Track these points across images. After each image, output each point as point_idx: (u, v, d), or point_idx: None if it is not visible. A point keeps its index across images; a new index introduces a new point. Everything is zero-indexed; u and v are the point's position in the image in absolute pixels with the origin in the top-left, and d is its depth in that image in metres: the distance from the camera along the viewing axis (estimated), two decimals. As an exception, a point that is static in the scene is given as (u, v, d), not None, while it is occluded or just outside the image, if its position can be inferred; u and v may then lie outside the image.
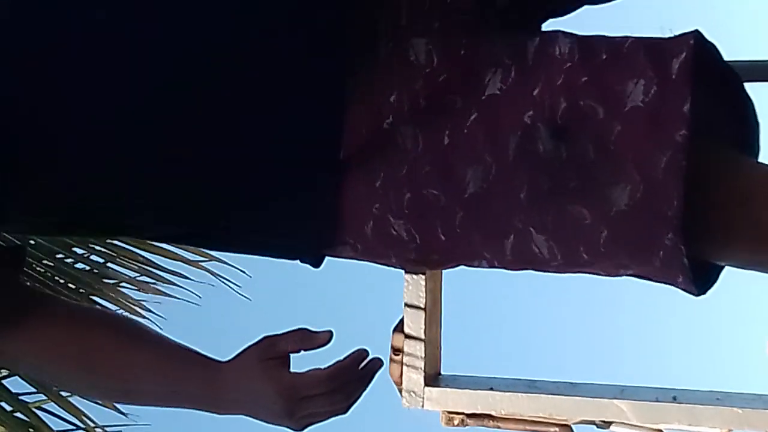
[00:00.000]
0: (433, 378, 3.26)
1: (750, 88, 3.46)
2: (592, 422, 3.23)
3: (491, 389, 3.18)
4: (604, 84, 1.27)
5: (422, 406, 3.51)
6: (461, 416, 3.32)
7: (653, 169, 1.24)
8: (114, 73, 1.29)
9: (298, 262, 1.43)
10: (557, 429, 3.25)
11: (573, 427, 3.34)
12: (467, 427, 3.32)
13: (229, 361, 1.41)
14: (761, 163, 1.34)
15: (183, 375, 1.38)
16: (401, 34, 1.30)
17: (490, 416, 3.24)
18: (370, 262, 1.40)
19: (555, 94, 1.28)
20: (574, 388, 3.15)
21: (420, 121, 1.31)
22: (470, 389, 3.11)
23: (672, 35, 1.31)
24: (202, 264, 5.16)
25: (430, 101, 1.29)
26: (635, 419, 3.26)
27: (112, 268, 5.11)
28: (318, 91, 1.27)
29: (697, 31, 1.30)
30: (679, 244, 1.27)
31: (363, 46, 1.29)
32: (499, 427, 3.34)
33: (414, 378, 3.20)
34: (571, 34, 1.29)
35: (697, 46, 1.27)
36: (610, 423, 3.23)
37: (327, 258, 1.39)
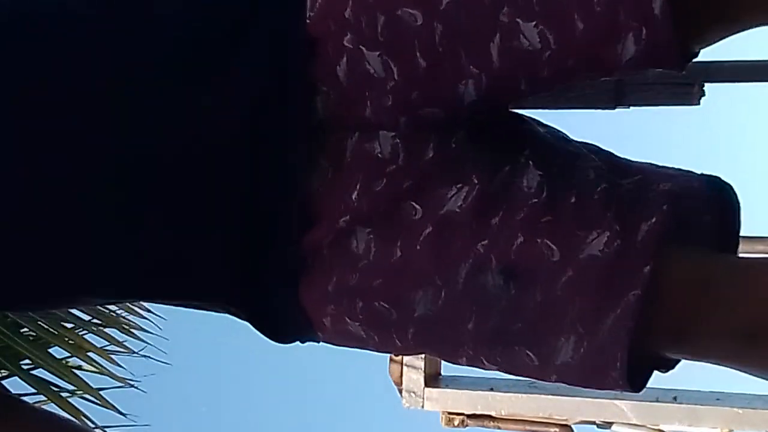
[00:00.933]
0: (433, 378, 3.26)
1: (751, 88, 3.47)
2: (593, 422, 3.23)
3: (491, 389, 3.18)
4: (566, 227, 1.24)
5: (422, 406, 3.51)
6: (461, 416, 3.32)
7: (598, 326, 1.22)
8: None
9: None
10: (557, 429, 3.25)
11: (573, 427, 3.34)
12: (467, 427, 3.32)
13: None
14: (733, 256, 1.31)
15: None
16: (367, 125, 1.25)
17: (490, 416, 3.24)
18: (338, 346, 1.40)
19: (514, 228, 1.25)
20: (574, 388, 3.15)
21: (376, 224, 1.28)
22: (470, 389, 3.11)
23: (669, 168, 1.32)
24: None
25: (389, 205, 1.26)
26: (635, 419, 3.25)
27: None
28: (281, 183, 1.25)
29: (675, 198, 1.29)
30: (627, 389, 1.28)
31: (329, 138, 1.25)
32: (499, 428, 3.34)
33: (414, 378, 3.20)
34: (542, 167, 1.26)
35: (668, 211, 1.24)
36: (611, 423, 3.23)
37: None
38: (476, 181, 1.20)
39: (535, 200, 1.20)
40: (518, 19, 1.13)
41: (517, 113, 1.29)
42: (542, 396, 3.03)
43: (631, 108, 3.04)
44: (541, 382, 1.35)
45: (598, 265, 1.17)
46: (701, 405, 2.98)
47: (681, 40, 1.16)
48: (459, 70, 1.16)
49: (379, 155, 1.21)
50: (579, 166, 1.25)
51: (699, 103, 2.97)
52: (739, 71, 2.96)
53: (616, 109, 2.97)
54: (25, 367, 3.92)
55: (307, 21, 1.17)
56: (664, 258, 1.21)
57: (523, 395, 3.04)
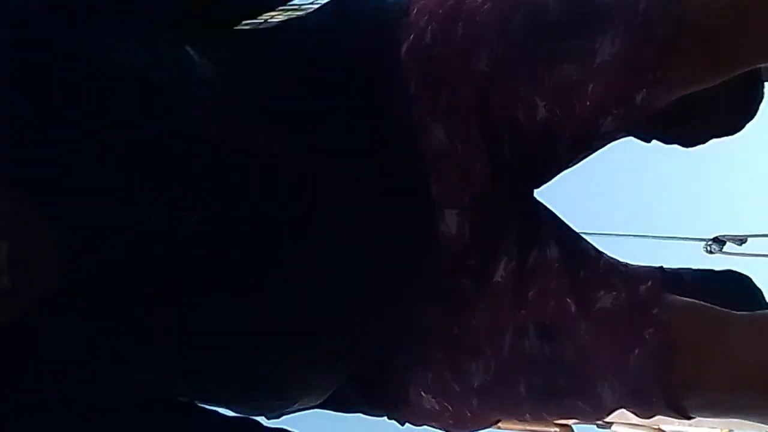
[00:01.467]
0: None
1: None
2: (593, 422, 3.23)
3: (491, 389, 3.17)
4: (580, 288, 1.31)
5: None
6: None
7: (623, 367, 1.29)
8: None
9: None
10: (557, 429, 3.25)
11: (573, 427, 3.34)
12: (467, 427, 3.31)
13: None
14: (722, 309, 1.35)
15: None
16: (432, 204, 1.30)
17: (490, 416, 3.23)
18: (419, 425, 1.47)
19: (546, 297, 1.34)
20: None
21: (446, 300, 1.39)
22: (470, 389, 3.10)
23: (633, 265, 1.40)
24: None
25: (451, 280, 1.35)
26: (635, 419, 3.25)
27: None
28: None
29: (661, 267, 1.38)
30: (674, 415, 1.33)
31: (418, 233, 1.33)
32: (499, 428, 3.34)
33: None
34: (559, 243, 1.36)
35: (663, 278, 1.34)
36: (611, 423, 3.22)
37: None
38: (516, 251, 1.29)
39: (557, 265, 1.28)
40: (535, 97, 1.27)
41: (535, 198, 1.39)
42: (542, 396, 3.02)
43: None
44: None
45: (610, 313, 1.26)
46: (701, 405, 2.97)
47: (651, 126, 1.26)
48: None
49: (446, 232, 1.28)
50: (581, 245, 1.36)
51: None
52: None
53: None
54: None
55: None
56: (668, 308, 1.26)
57: (523, 395, 3.03)
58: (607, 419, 3.33)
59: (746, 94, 1.40)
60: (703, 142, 1.42)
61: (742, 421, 3.14)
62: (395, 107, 1.27)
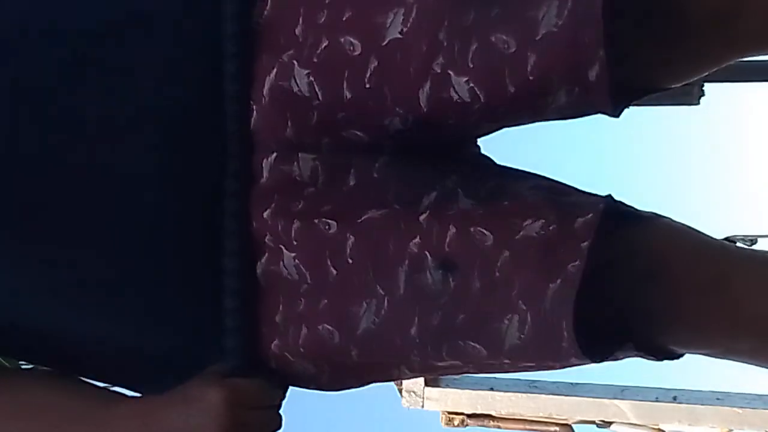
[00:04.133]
0: (433, 378, 3.26)
1: (751, 88, 3.46)
2: (592, 422, 3.24)
3: (491, 389, 3.19)
4: (500, 217, 1.23)
5: (422, 406, 3.51)
6: (461, 416, 3.32)
7: (539, 299, 1.19)
8: None
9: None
10: (557, 428, 3.26)
11: (573, 426, 3.34)
12: (467, 427, 3.32)
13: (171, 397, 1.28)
14: (731, 245, 1.29)
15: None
16: (287, 146, 1.24)
17: (490, 416, 3.24)
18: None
19: (445, 222, 1.24)
20: (574, 388, 3.15)
21: (298, 247, 1.26)
22: (470, 389, 3.12)
23: (588, 193, 1.29)
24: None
25: (303, 224, 1.25)
26: (635, 419, 3.26)
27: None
28: (191, 208, 1.23)
29: (609, 196, 1.27)
30: (586, 361, 1.26)
31: (243, 158, 1.23)
32: (499, 427, 3.34)
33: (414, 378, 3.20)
34: (476, 190, 1.26)
35: (606, 210, 1.23)
36: (611, 423, 3.23)
37: None
38: (397, 207, 1.20)
39: (462, 204, 1.20)
40: (450, 71, 1.14)
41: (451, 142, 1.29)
42: (542, 396, 3.03)
43: (631, 107, 3.04)
44: (541, 380, 1.35)
45: (535, 243, 1.15)
46: (701, 405, 2.98)
47: (616, 99, 1.17)
48: (384, 108, 1.16)
49: (298, 177, 1.20)
50: (511, 188, 1.24)
51: (699, 103, 2.97)
52: (738, 71, 2.96)
53: (616, 109, 2.98)
54: (25, 366, 3.92)
55: (256, 25, 1.17)
56: (623, 245, 1.20)
57: (523, 395, 3.04)
58: (607, 419, 3.35)
59: None
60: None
61: (742, 420, 3.16)
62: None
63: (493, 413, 3.13)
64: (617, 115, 1.22)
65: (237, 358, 1.19)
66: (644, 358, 1.23)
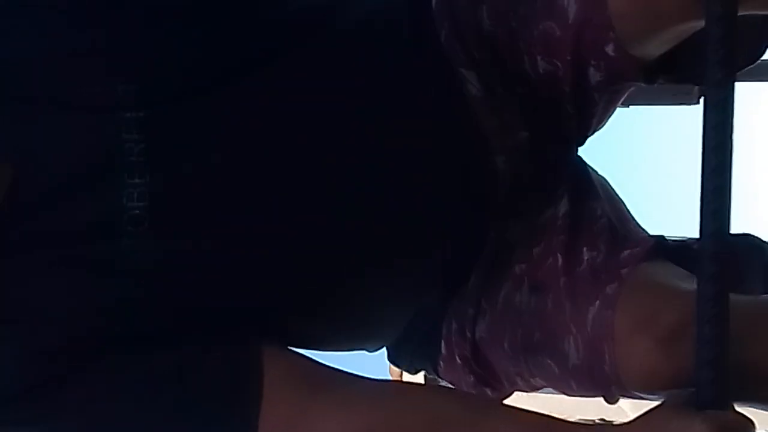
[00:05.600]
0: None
1: (751, 88, 3.46)
2: (593, 421, 3.23)
3: (491, 389, 3.19)
4: (573, 243, 1.34)
5: (422, 405, 3.50)
6: (462, 416, 3.32)
7: (583, 322, 1.26)
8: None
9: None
10: (557, 428, 3.26)
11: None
12: (467, 426, 3.31)
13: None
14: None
15: None
16: (485, 141, 1.36)
17: (490, 416, 3.24)
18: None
19: (547, 254, 1.36)
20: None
21: None
22: (470, 389, 3.12)
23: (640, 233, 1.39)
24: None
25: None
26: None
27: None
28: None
29: (661, 237, 1.36)
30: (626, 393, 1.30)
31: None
32: (499, 427, 3.34)
33: (414, 378, 3.20)
34: (571, 195, 1.37)
35: (653, 250, 1.31)
36: (611, 422, 3.23)
37: None
38: (535, 209, 1.31)
39: (560, 222, 1.29)
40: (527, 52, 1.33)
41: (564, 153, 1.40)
42: (542, 395, 3.03)
43: (631, 107, 3.05)
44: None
45: (584, 270, 1.24)
46: (701, 404, 2.98)
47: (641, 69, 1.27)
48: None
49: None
50: (592, 204, 1.35)
51: (698, 103, 2.98)
52: (739, 71, 2.96)
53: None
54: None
55: None
56: (644, 276, 1.24)
57: (523, 394, 3.04)
58: (607, 418, 3.34)
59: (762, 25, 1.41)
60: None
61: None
62: (435, 59, 1.31)
63: (494, 413, 3.13)
64: (653, 82, 1.33)
65: (712, 389, 1.21)
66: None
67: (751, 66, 3.13)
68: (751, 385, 1.25)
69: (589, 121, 1.35)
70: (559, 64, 1.26)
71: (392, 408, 1.15)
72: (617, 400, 1.29)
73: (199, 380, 1.11)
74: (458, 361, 1.32)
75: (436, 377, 1.37)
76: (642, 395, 1.25)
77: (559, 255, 1.29)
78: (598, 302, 1.22)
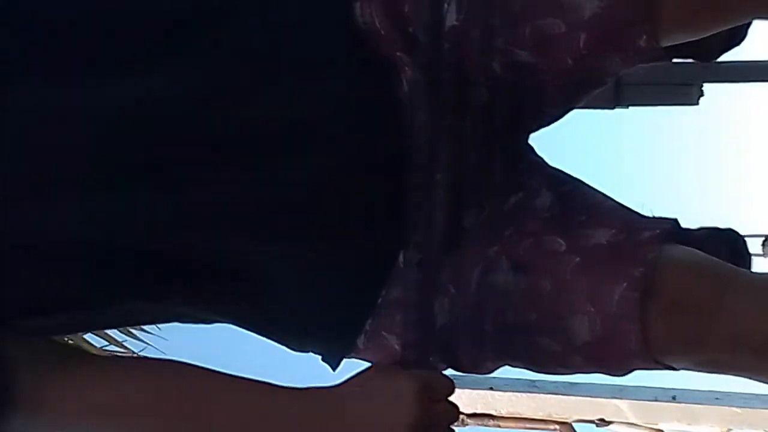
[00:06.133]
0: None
1: (750, 88, 3.47)
2: (591, 421, 3.24)
3: (491, 389, 3.18)
4: (575, 228, 1.30)
5: (422, 405, 3.51)
6: (461, 416, 3.32)
7: (607, 301, 1.26)
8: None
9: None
10: (558, 427, 3.26)
11: (574, 425, 3.34)
12: (467, 426, 3.32)
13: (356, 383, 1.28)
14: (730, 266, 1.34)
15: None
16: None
17: (490, 416, 3.24)
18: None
19: (524, 234, 1.31)
20: (573, 387, 3.15)
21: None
22: (470, 389, 3.12)
23: (650, 216, 1.37)
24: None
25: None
26: (635, 418, 3.25)
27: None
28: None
29: (675, 220, 1.35)
30: (652, 365, 1.30)
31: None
32: (499, 426, 3.34)
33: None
34: (555, 186, 1.33)
35: (671, 231, 1.31)
36: (610, 422, 3.23)
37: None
38: (486, 206, 1.26)
39: (548, 215, 1.27)
40: (511, 48, 1.24)
41: (530, 146, 1.36)
42: (542, 395, 3.03)
43: (631, 108, 3.05)
44: (541, 380, 1.37)
45: (604, 249, 1.23)
46: (700, 404, 2.99)
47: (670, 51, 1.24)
48: (466, 79, 1.26)
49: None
50: (587, 192, 1.32)
51: (698, 103, 2.98)
52: (738, 71, 2.96)
53: (616, 109, 2.98)
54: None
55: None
56: (669, 258, 1.24)
57: (523, 394, 3.04)
58: (606, 418, 3.34)
59: None
60: (716, 57, 1.42)
61: (742, 419, 3.15)
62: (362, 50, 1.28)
63: (493, 413, 3.13)
64: (670, 58, 1.31)
65: (415, 350, 1.23)
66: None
67: (751, 66, 3.11)
68: (748, 355, 1.25)
69: (559, 113, 1.35)
70: (542, 59, 1.25)
71: (118, 382, 1.20)
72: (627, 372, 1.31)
73: None
74: (395, 347, 1.30)
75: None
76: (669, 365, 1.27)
77: (558, 239, 1.26)
78: (625, 284, 1.21)
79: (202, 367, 1.23)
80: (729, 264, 1.28)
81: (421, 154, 1.25)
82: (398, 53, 1.24)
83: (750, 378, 1.29)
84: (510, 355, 1.28)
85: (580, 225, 1.27)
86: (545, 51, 1.22)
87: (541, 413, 3.07)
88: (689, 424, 3.01)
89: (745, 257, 1.39)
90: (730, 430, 2.99)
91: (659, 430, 3.10)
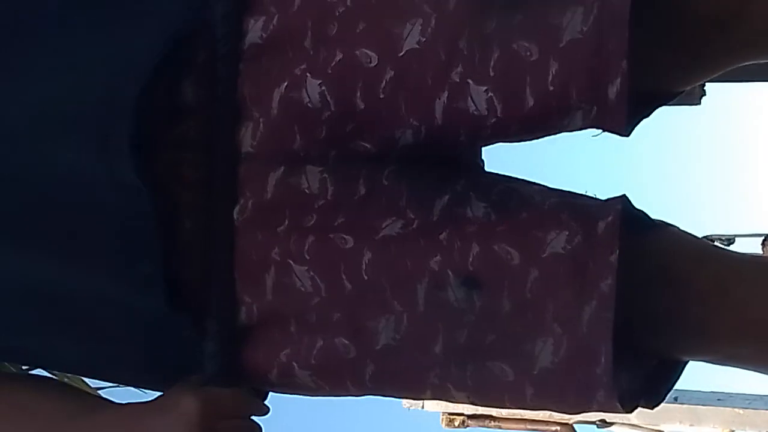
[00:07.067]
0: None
1: (751, 87, 3.46)
2: (593, 422, 3.23)
3: (492, 389, 3.18)
4: (522, 231, 1.21)
5: (422, 407, 3.50)
6: (462, 417, 3.32)
7: (576, 321, 1.16)
8: None
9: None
10: (558, 428, 3.25)
11: (574, 426, 3.34)
12: (468, 427, 3.31)
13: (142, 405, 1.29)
14: (734, 252, 1.28)
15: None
16: (294, 159, 1.21)
17: (490, 416, 3.23)
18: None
19: (467, 240, 1.23)
20: (574, 388, 3.14)
21: (311, 261, 1.23)
22: (471, 389, 3.11)
23: (597, 198, 1.26)
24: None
25: (318, 239, 1.23)
26: (636, 419, 3.25)
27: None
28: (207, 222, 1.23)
29: (624, 196, 1.25)
30: (612, 399, 1.23)
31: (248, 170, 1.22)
32: (500, 427, 3.34)
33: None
34: (483, 197, 1.24)
35: (624, 210, 1.21)
36: (611, 423, 3.22)
37: None
38: (412, 216, 1.18)
39: (485, 221, 1.18)
40: (469, 80, 1.12)
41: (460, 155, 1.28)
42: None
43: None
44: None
45: (563, 260, 1.14)
46: (702, 405, 2.98)
47: (630, 118, 1.16)
48: (397, 119, 1.14)
49: (307, 190, 1.18)
50: (521, 191, 1.23)
51: (700, 103, 2.97)
52: (739, 71, 2.95)
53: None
54: (24, 366, 3.92)
55: (259, 40, 1.16)
56: (635, 247, 1.18)
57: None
58: (607, 419, 3.34)
59: None
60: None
61: (743, 420, 3.15)
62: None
63: (494, 414, 3.13)
64: (628, 134, 1.21)
65: (216, 365, 1.19)
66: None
67: (753, 66, 3.11)
68: (748, 346, 1.22)
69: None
70: (498, 104, 1.15)
71: None
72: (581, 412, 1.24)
73: None
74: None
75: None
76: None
77: (507, 247, 1.18)
78: (594, 302, 1.15)
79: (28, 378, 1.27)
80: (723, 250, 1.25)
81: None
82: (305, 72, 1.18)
83: (748, 369, 1.26)
84: (456, 383, 1.20)
85: (526, 225, 1.18)
86: (508, 85, 1.11)
87: (542, 414, 3.07)
88: (691, 425, 3.01)
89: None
90: (733, 431, 2.99)
91: (661, 431, 3.10)
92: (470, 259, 1.14)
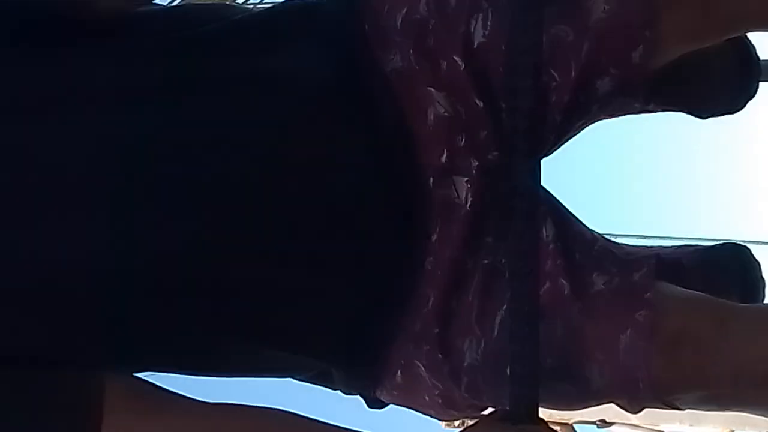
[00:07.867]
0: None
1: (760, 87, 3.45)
2: (593, 422, 3.23)
3: (492, 389, 3.17)
4: (574, 267, 1.28)
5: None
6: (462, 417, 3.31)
7: (613, 349, 1.28)
8: None
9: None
10: (559, 428, 3.25)
11: (574, 426, 3.33)
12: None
13: None
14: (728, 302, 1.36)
15: None
16: (442, 171, 1.31)
17: (490, 416, 3.22)
18: (407, 406, 1.43)
19: (541, 278, 1.35)
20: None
21: (437, 280, 1.36)
22: (471, 389, 3.10)
23: (631, 247, 1.39)
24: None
25: (456, 262, 1.35)
26: (636, 420, 3.24)
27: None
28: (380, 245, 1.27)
29: (657, 254, 1.37)
30: (658, 406, 1.34)
31: (413, 186, 1.30)
32: (499, 428, 3.33)
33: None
34: (556, 221, 1.34)
35: (658, 265, 1.33)
36: (611, 423, 3.22)
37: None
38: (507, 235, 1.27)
39: (551, 246, 1.26)
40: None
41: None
42: (543, 396, 3.03)
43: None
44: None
45: (603, 295, 1.23)
46: (702, 405, 2.98)
47: (654, 84, 1.24)
48: (496, 98, 1.25)
49: (456, 201, 1.26)
50: (576, 226, 1.32)
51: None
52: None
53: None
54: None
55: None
56: (663, 296, 1.25)
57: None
58: (608, 419, 3.34)
59: (742, 71, 1.40)
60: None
61: (744, 420, 3.14)
62: (385, 80, 1.27)
63: (494, 414, 3.12)
64: (648, 103, 1.28)
65: (520, 405, 1.22)
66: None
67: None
68: (749, 389, 1.26)
69: (563, 138, 1.34)
70: (556, 74, 1.24)
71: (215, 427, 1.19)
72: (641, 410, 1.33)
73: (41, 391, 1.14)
74: (434, 390, 1.32)
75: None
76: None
77: (562, 280, 1.28)
78: (629, 330, 1.23)
79: (306, 417, 1.23)
80: (721, 299, 1.29)
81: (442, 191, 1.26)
82: (429, 88, 1.23)
83: (753, 413, 1.30)
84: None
85: (579, 266, 1.28)
86: (559, 64, 1.22)
87: (542, 414, 3.07)
88: (691, 426, 3.01)
89: (758, 289, 1.40)
90: (733, 431, 2.99)
91: (661, 431, 3.10)
92: (541, 292, 1.25)
